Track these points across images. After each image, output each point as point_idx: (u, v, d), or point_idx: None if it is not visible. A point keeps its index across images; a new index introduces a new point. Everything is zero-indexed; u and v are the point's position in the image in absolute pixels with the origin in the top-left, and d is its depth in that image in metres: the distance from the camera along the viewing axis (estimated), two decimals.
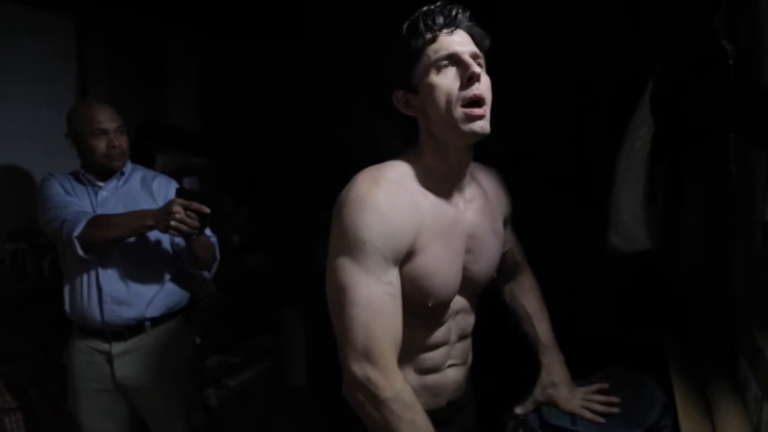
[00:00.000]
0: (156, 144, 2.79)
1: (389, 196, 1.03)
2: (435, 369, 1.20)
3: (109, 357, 1.87)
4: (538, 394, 1.38)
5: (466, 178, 1.18)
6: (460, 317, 1.23)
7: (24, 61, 2.42)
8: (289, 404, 2.80)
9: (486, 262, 1.22)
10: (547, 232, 2.10)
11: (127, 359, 1.88)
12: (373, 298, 0.99)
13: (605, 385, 1.40)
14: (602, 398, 1.35)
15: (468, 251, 1.17)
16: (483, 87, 1.06)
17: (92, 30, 2.66)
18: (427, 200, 1.10)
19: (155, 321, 1.92)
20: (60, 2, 2.51)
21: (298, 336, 2.91)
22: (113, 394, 1.90)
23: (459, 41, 1.07)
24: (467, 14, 1.10)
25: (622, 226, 1.76)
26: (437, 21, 1.07)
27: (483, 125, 1.05)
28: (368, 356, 0.97)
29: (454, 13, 1.08)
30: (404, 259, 1.06)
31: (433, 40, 1.06)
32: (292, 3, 2.69)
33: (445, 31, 1.07)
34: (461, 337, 1.25)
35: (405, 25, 1.09)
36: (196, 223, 1.70)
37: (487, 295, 1.33)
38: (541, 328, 1.41)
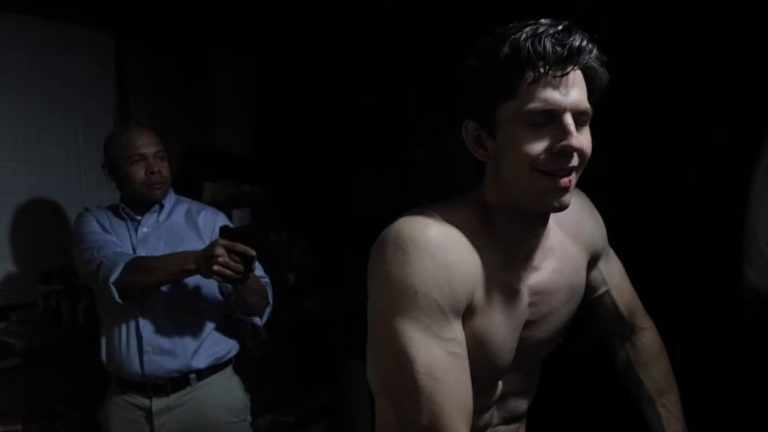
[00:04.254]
0: (203, 171, 2.81)
1: (443, 233, 0.91)
2: None
3: (148, 414, 1.82)
4: None
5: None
6: (511, 400, 1.12)
7: (58, 83, 2.40)
8: None
9: (552, 330, 1.08)
10: (664, 265, 2.02)
11: (169, 417, 1.83)
12: (435, 362, 0.87)
13: None
14: None
15: (527, 324, 1.03)
16: (577, 159, 0.88)
17: (133, 47, 2.67)
18: (485, 259, 0.95)
19: (201, 373, 1.87)
20: (98, 17, 2.50)
21: (362, 391, 2.74)
22: None
23: (567, 92, 0.86)
24: (592, 47, 0.87)
25: (759, 258, 1.68)
26: (550, 52, 0.83)
27: (564, 200, 0.90)
28: None
29: (577, 44, 0.84)
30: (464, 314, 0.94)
31: (536, 79, 0.84)
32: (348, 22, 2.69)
33: (556, 69, 0.84)
34: (507, 421, 1.14)
35: (505, 45, 0.86)
36: (240, 267, 1.67)
37: None
38: (667, 416, 1.23)
